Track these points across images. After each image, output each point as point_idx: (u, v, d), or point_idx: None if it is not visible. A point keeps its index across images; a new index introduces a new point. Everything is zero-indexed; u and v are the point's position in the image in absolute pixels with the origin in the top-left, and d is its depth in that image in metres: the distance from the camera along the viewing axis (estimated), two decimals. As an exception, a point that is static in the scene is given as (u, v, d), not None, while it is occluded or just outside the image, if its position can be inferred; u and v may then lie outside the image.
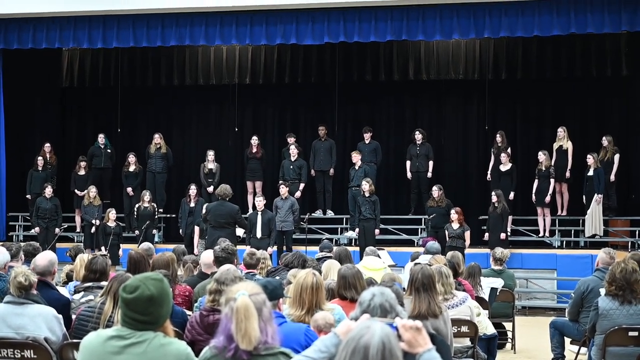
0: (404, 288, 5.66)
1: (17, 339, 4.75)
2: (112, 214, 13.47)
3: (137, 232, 13.65)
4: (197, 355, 3.23)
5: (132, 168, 14.89)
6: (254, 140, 14.93)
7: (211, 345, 3.15)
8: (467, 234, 12.66)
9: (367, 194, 13.12)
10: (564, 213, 14.00)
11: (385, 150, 15.26)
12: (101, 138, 15.36)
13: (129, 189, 14.78)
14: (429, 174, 14.45)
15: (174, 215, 14.91)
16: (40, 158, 14.85)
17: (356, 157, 14.17)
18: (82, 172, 14.99)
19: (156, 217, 14.17)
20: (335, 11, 13.08)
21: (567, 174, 13.79)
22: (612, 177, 13.48)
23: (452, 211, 12.77)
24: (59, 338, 4.82)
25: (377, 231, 13.26)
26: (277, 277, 6.21)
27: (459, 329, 5.94)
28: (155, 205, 14.09)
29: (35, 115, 16.15)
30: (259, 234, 12.23)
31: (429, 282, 5.08)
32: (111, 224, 13.39)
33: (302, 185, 14.50)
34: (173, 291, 5.77)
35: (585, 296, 7.23)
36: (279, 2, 13.05)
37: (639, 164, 14.43)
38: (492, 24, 12.69)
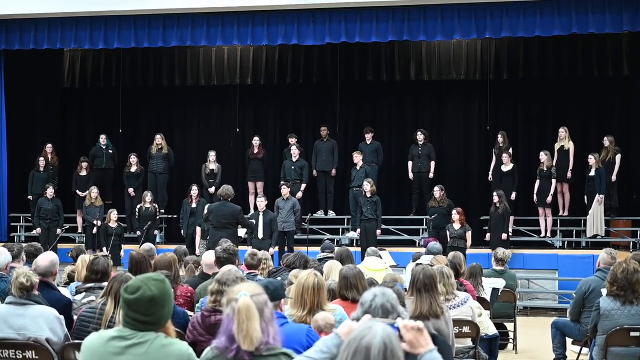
0: (405, 288, 5.65)
1: (19, 339, 4.75)
2: (113, 214, 13.48)
3: (138, 232, 13.65)
4: (198, 355, 3.23)
5: (133, 169, 14.89)
6: (256, 140, 14.93)
7: (213, 346, 3.15)
8: (469, 235, 12.66)
9: (368, 195, 13.12)
10: (566, 213, 14.00)
11: (386, 150, 15.25)
12: (103, 139, 15.36)
13: (131, 190, 14.79)
14: (431, 175, 14.45)
15: (175, 216, 14.92)
16: (41, 159, 14.85)
17: (357, 158, 14.17)
18: (83, 173, 15.01)
19: (157, 217, 14.18)
20: (336, 11, 13.08)
21: (569, 174, 13.79)
22: (614, 177, 13.47)
23: (454, 211, 12.77)
24: (61, 339, 4.82)
25: (378, 231, 13.26)
26: (279, 278, 6.21)
27: (460, 329, 5.93)
28: (156, 206, 14.10)
29: (36, 115, 16.17)
30: (260, 235, 12.24)
31: (431, 283, 5.08)
32: (112, 224, 13.40)
33: (303, 186, 14.50)
34: (175, 292, 5.78)
35: (586, 296, 7.22)
36: (280, 3, 13.05)
37: (640, 164, 14.45)
38: (494, 24, 12.69)
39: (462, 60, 15.74)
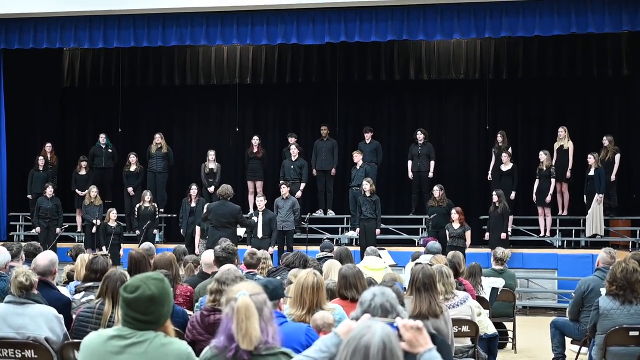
0: (404, 288, 5.65)
1: (18, 338, 4.74)
2: (112, 213, 13.48)
3: (137, 232, 13.65)
4: (197, 355, 3.23)
5: (132, 168, 14.90)
6: (255, 140, 14.93)
7: (212, 345, 3.15)
8: (468, 234, 12.67)
9: (367, 194, 13.12)
10: (565, 213, 14.00)
11: (386, 150, 15.26)
12: (102, 138, 15.36)
13: (130, 189, 14.79)
14: (430, 174, 14.46)
15: (174, 215, 14.91)
16: (41, 158, 14.85)
17: (357, 157, 14.18)
18: (83, 172, 15.01)
19: (157, 217, 14.18)
20: (336, 11, 13.07)
21: (568, 174, 13.79)
22: (613, 177, 13.48)
23: (453, 211, 12.78)
24: (60, 338, 4.82)
25: (377, 231, 13.26)
26: (278, 277, 6.21)
27: (459, 328, 5.93)
28: (156, 205, 14.10)
29: (36, 115, 16.17)
30: (260, 234, 12.25)
31: (430, 282, 5.08)
32: (112, 223, 13.40)
33: (302, 185, 14.50)
34: (174, 291, 5.77)
35: (585, 296, 7.23)
36: (279, 2, 13.05)
37: (639, 163, 14.42)
38: (493, 23, 12.69)
39: (461, 59, 15.74)
